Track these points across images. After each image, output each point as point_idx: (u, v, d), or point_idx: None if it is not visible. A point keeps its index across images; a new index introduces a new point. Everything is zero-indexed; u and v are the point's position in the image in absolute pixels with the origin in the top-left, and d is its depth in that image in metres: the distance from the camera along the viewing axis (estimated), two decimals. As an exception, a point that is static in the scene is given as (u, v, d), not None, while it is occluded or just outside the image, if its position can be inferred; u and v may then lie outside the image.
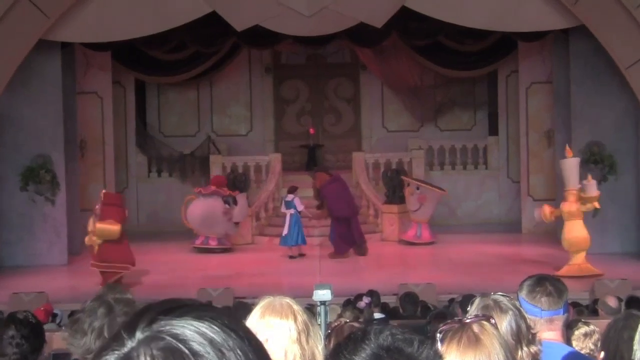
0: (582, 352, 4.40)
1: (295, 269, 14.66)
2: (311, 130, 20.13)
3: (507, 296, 2.93)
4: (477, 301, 2.88)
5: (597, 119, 15.56)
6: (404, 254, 16.28)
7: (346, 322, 3.46)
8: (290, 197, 15.78)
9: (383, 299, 10.13)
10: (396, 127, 20.40)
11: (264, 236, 17.37)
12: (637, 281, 12.39)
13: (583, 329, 4.75)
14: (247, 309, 7.87)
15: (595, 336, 4.66)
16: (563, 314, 3.33)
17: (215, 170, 18.35)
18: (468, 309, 2.87)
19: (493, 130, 19.66)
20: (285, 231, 15.62)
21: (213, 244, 16.31)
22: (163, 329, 1.06)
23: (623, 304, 8.71)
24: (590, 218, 14.53)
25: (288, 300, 2.82)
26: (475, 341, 2.22)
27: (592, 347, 4.63)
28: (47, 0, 14.31)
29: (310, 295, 4.15)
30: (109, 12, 14.81)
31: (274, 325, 2.70)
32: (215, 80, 20.05)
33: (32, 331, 3.56)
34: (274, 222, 17.66)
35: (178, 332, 1.05)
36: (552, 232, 16.06)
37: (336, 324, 3.49)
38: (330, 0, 14.90)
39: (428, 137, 19.82)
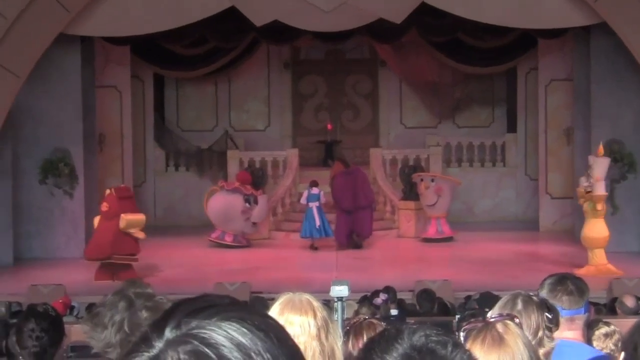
0: (603, 352, 4.36)
1: (312, 265, 14.65)
2: (329, 126, 20.10)
3: (528, 295, 2.90)
4: (500, 301, 2.84)
5: (617, 117, 15.43)
6: (421, 250, 16.24)
7: (365, 319, 3.44)
8: (315, 190, 16.06)
9: (399, 296, 10.11)
10: (414, 124, 20.34)
11: (281, 231, 17.37)
12: (656, 280, 12.28)
13: (604, 329, 4.71)
14: (263, 303, 7.88)
15: (616, 336, 4.62)
16: (584, 313, 3.30)
17: (233, 165, 18.38)
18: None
19: (511, 127, 19.56)
20: (317, 223, 15.86)
21: (228, 239, 16.33)
22: (191, 331, 1.04)
23: (642, 303, 8.65)
24: (609, 216, 14.43)
25: (307, 296, 2.81)
26: (499, 341, 2.20)
27: (613, 347, 4.59)
28: (68, -6, 14.36)
29: (327, 291, 4.13)
30: (128, 6, 14.83)
31: (293, 321, 2.69)
32: (234, 75, 20.06)
33: (51, 324, 3.56)
34: (291, 217, 17.66)
35: (206, 335, 1.03)
36: (570, 231, 15.96)
37: (355, 320, 3.47)
38: (350, -5, 14.86)
39: (446, 134, 19.74)
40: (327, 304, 4.37)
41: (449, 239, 16.53)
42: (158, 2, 14.84)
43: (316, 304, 2.79)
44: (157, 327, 1.06)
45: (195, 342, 1.03)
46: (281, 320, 2.68)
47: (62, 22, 14.52)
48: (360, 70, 20.59)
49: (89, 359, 5.52)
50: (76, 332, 5.87)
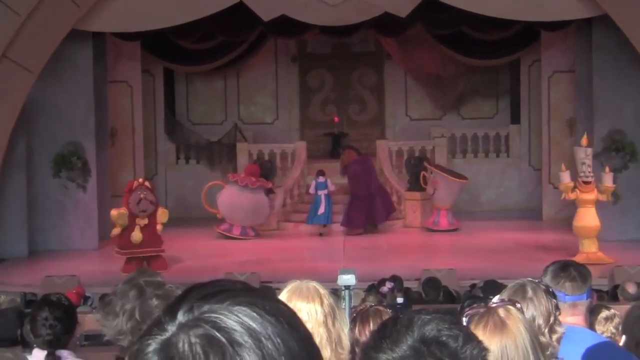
0: (604, 335, 4.36)
1: (320, 255, 14.67)
2: (336, 119, 20.09)
3: (539, 283, 2.90)
4: (510, 285, 2.84)
5: (619, 108, 15.39)
6: (427, 240, 16.24)
7: (371, 306, 3.44)
8: (322, 178, 16.36)
9: (405, 284, 10.10)
10: (419, 116, 20.31)
11: (290, 222, 17.39)
12: (658, 268, 12.25)
13: (604, 313, 4.72)
14: (272, 292, 7.88)
15: (617, 320, 4.62)
16: (586, 299, 3.30)
17: (242, 158, 18.38)
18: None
19: (515, 118, 19.50)
20: (321, 210, 16.22)
21: (236, 232, 16.35)
22: (203, 315, 1.04)
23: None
24: (611, 205, 14.40)
25: (314, 284, 2.81)
26: (501, 326, 2.20)
27: (614, 330, 4.59)
28: (79, -9, 14.37)
29: (334, 280, 4.13)
30: (138, 2, 14.84)
31: (301, 308, 2.69)
32: (242, 69, 20.05)
33: (64, 313, 3.58)
34: (299, 208, 17.69)
35: (217, 319, 1.04)
36: (572, 220, 15.92)
37: (361, 307, 3.47)
38: (355, -10, 14.83)
39: (450, 126, 19.70)
40: (335, 292, 4.38)
41: (447, 231, 16.56)
42: (167, -2, 14.83)
43: (323, 291, 2.79)
44: (170, 311, 1.07)
45: (207, 327, 1.03)
46: (289, 308, 2.69)
47: (73, 18, 14.54)
48: (366, 63, 20.54)
49: (102, 347, 5.54)
50: (90, 321, 5.90)
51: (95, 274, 13.01)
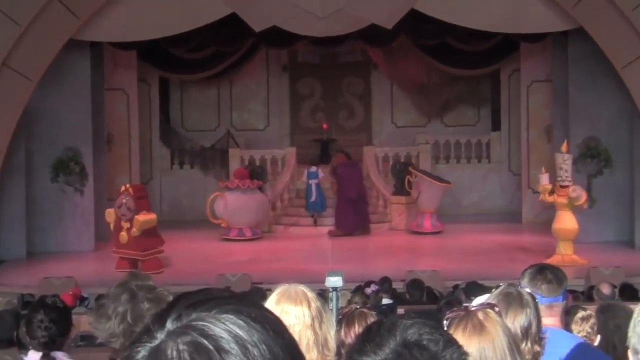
0: (580, 335, 4.36)
1: (309, 256, 14.65)
2: (325, 126, 20.09)
3: (531, 293, 2.88)
4: (500, 289, 2.82)
5: (594, 116, 15.48)
6: (412, 242, 16.26)
7: (356, 309, 3.43)
8: (313, 168, 16.86)
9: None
10: (404, 123, 20.35)
11: (280, 225, 17.39)
12: (631, 269, 12.33)
13: (580, 314, 4.71)
14: (262, 293, 7.86)
15: (592, 320, 4.62)
16: (562, 300, 3.30)
17: (234, 163, 18.37)
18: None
19: (496, 126, 19.59)
20: (312, 198, 16.67)
21: (248, 234, 16.36)
22: (190, 323, 1.04)
23: (617, 290, 8.67)
24: (587, 208, 14.44)
25: (302, 287, 2.80)
26: (480, 328, 2.19)
27: (589, 330, 4.59)
28: (77, 1, 14.32)
29: (322, 281, 4.12)
30: (135, 14, 14.81)
31: (289, 311, 2.68)
32: (235, 78, 20.05)
33: (59, 315, 3.55)
34: (289, 212, 17.70)
35: (204, 327, 1.03)
36: (550, 223, 15.95)
37: (347, 310, 3.46)
38: (344, 2, 14.84)
39: (434, 132, 19.75)
40: (323, 294, 4.37)
41: (431, 233, 16.58)
42: (163, 9, 14.81)
43: (310, 294, 2.78)
44: (159, 318, 1.06)
45: (195, 334, 1.02)
46: (277, 310, 2.68)
47: (71, 28, 14.49)
48: (354, 72, 20.57)
49: (96, 347, 5.50)
50: (85, 322, 5.86)
51: (91, 275, 12.95)
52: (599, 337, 4.16)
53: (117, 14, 14.74)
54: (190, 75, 19.05)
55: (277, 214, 17.59)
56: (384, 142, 19.87)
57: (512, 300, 2.74)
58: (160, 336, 1.04)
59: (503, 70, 18.92)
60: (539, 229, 16.17)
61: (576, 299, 8.42)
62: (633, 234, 15.12)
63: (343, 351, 2.93)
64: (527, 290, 2.90)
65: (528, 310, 2.76)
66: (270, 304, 2.73)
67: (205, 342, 1.01)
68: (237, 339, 1.02)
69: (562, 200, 13.27)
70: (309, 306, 2.72)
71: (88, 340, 6.22)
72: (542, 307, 3.17)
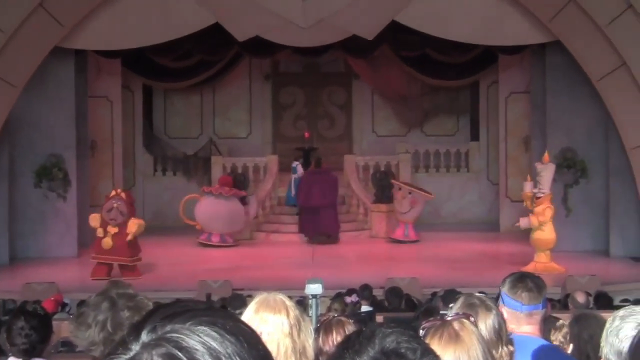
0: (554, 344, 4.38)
1: (290, 263, 14.63)
2: (306, 134, 20.11)
3: (489, 297, 2.91)
4: (462, 299, 2.84)
5: (571, 127, 15.60)
6: (392, 250, 16.28)
7: (334, 317, 3.43)
8: (295, 163, 17.14)
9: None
10: (385, 132, 20.40)
11: (262, 232, 17.36)
12: (606, 277, 12.42)
13: (554, 323, 4.73)
14: (242, 300, 7.84)
15: (565, 329, 4.64)
16: (542, 309, 3.31)
17: (216, 170, 18.32)
18: (451, 305, 2.83)
19: (474, 136, 19.68)
20: (292, 192, 17.01)
21: (215, 240, 16.30)
22: (165, 335, 1.04)
23: (592, 299, 8.72)
24: (564, 217, 14.55)
25: (281, 296, 2.80)
26: (455, 337, 2.20)
27: (562, 339, 4.61)
28: (62, 10, 14.26)
29: (303, 288, 4.12)
30: (119, 22, 14.76)
31: (267, 320, 2.68)
32: (218, 86, 20.02)
33: (40, 322, 3.52)
34: (271, 219, 17.68)
35: (178, 339, 1.03)
36: (528, 231, 16.05)
37: (325, 318, 3.46)
38: (326, 13, 14.88)
39: (414, 142, 19.81)
40: (303, 301, 4.36)
41: (413, 242, 16.61)
42: (147, 18, 14.78)
43: (289, 303, 2.78)
44: (135, 330, 1.06)
45: (169, 346, 1.02)
46: (256, 319, 2.68)
47: (56, 36, 14.43)
48: (336, 82, 20.61)
49: (76, 354, 5.47)
50: (66, 328, 5.82)
51: (73, 281, 12.86)
52: (571, 346, 4.18)
53: (102, 23, 14.69)
54: (173, 83, 19.00)
55: (259, 221, 17.57)
56: (364, 150, 19.91)
57: (477, 307, 2.76)
58: (135, 348, 1.03)
59: (482, 82, 19.03)
60: (516, 238, 16.23)
61: (552, 307, 8.47)
62: (608, 243, 15.24)
63: (321, 359, 2.93)
64: (484, 294, 2.92)
65: (494, 311, 2.80)
66: (250, 312, 2.73)
67: (180, 354, 1.01)
68: (211, 351, 1.02)
69: (537, 209, 13.34)
70: (288, 315, 2.72)
71: (69, 346, 6.18)
72: (522, 315, 3.19)
